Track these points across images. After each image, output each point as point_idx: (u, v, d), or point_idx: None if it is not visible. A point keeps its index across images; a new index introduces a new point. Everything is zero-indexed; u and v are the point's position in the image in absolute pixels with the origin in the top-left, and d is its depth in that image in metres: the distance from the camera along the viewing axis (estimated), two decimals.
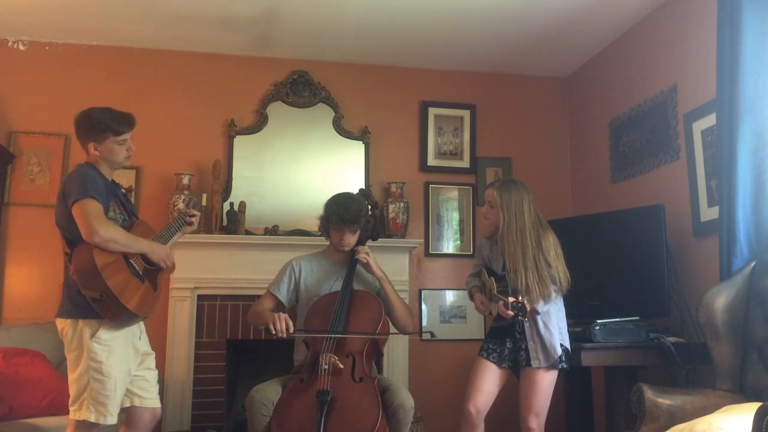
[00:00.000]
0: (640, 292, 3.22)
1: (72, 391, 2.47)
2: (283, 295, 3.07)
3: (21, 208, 3.89)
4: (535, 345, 2.74)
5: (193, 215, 2.77)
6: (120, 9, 3.66)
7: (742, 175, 2.72)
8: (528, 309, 2.62)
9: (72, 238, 2.45)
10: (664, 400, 2.45)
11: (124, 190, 2.71)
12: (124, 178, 3.63)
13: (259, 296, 3.82)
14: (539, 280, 2.72)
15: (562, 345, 2.76)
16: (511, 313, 2.60)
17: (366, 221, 3.09)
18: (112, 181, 2.64)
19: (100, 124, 2.51)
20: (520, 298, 2.62)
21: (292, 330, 2.78)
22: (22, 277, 3.85)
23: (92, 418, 2.42)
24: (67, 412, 3.09)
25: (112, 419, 2.45)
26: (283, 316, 2.78)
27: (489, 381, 2.81)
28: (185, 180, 3.87)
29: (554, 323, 2.77)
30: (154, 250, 2.55)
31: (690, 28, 3.36)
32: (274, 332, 2.75)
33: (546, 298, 2.72)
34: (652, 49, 3.67)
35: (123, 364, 2.48)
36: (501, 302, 2.64)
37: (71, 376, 2.49)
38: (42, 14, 3.71)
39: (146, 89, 4.11)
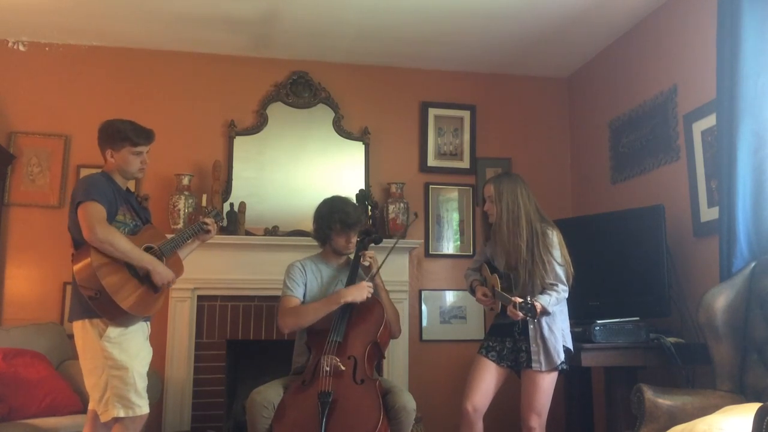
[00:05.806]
0: (640, 293, 3.22)
1: (95, 395, 2.48)
2: (300, 295, 3.01)
3: (21, 209, 3.89)
4: (538, 348, 2.70)
5: (206, 223, 2.85)
6: (120, 10, 3.65)
7: (742, 175, 2.72)
8: (538, 309, 2.56)
9: (79, 240, 2.50)
10: (664, 401, 2.45)
11: (139, 199, 2.79)
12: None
13: (259, 297, 3.87)
14: (544, 276, 2.70)
15: (564, 346, 2.74)
16: (520, 314, 2.54)
17: (365, 217, 3.12)
18: (127, 189, 2.71)
19: (120, 132, 2.61)
20: (528, 299, 2.55)
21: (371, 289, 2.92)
22: (22, 277, 3.85)
23: (121, 413, 2.43)
24: (67, 413, 3.12)
25: (140, 410, 2.47)
26: (364, 285, 2.90)
27: (487, 379, 2.79)
28: (185, 181, 3.87)
29: (558, 325, 2.74)
30: (158, 271, 2.54)
31: (690, 28, 3.36)
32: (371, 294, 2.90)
33: (554, 296, 2.67)
34: (652, 49, 3.67)
35: (139, 354, 2.52)
36: (510, 304, 2.59)
37: (90, 381, 2.50)
38: (42, 14, 3.71)
39: (146, 90, 4.11)
